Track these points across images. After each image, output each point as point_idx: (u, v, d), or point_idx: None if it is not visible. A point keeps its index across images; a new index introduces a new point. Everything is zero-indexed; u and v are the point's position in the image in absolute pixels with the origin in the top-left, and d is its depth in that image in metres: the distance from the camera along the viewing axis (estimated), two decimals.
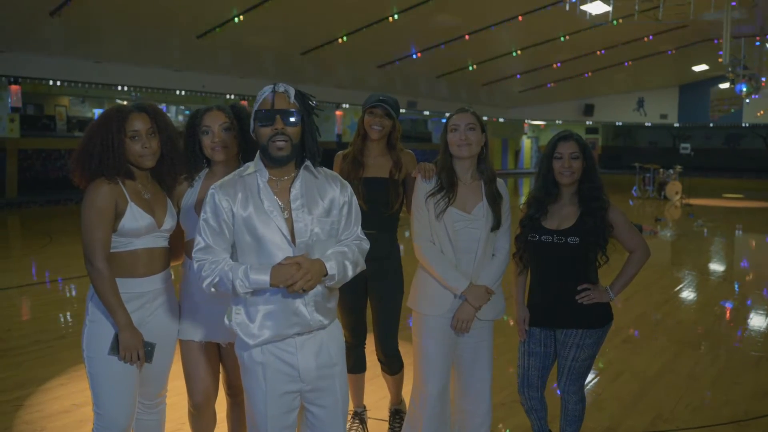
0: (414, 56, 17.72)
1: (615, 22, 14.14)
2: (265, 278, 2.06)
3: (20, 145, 15.08)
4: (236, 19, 13.03)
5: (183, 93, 16.52)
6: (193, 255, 2.18)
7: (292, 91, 2.18)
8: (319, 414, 2.26)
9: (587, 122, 29.39)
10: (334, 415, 2.28)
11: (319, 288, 2.18)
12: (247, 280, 2.07)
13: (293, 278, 2.04)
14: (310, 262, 2.08)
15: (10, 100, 14.07)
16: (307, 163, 2.23)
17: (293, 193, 2.18)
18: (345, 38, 15.19)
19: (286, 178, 2.21)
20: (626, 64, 21.96)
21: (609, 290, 2.89)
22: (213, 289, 2.14)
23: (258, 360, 2.19)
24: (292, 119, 2.15)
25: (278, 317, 2.16)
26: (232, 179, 2.20)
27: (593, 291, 2.84)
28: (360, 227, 2.33)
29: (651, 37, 18.26)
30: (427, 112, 23.77)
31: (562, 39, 17.36)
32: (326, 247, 2.20)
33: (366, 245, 2.32)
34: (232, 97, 17.17)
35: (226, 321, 2.23)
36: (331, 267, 2.13)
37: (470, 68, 19.92)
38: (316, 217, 2.18)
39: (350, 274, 2.22)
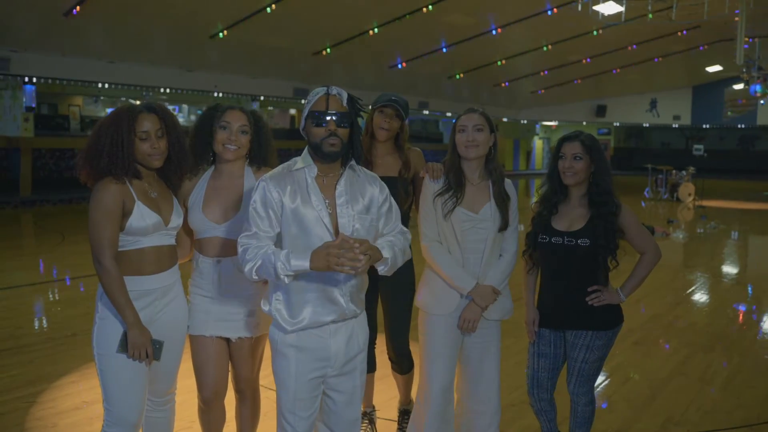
0: (426, 57, 17.70)
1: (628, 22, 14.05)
2: (305, 263, 2.11)
3: (34, 144, 15.19)
4: (249, 20, 13.07)
5: (195, 93, 16.60)
6: (238, 240, 2.24)
7: (345, 95, 2.28)
8: (338, 399, 2.37)
9: (595, 122, 29.23)
10: (351, 400, 2.39)
11: (354, 280, 2.29)
12: (288, 264, 2.11)
13: (338, 259, 2.06)
14: (369, 244, 2.14)
15: (24, 100, 14.19)
16: (352, 162, 2.34)
17: (338, 190, 2.28)
18: (357, 39, 15.20)
19: (331, 175, 2.30)
20: (639, 64, 21.82)
21: (620, 292, 2.87)
22: (255, 276, 2.19)
23: (292, 344, 2.28)
24: (344, 122, 2.25)
25: (316, 305, 2.26)
26: (282, 172, 2.29)
27: (603, 293, 2.82)
28: (401, 222, 2.44)
29: (664, 37, 18.14)
30: (438, 113, 23.73)
31: (575, 40, 17.28)
32: None
33: (410, 236, 2.45)
34: (244, 97, 17.25)
35: (264, 307, 2.33)
36: (386, 252, 2.23)
37: (482, 69, 19.87)
38: (356, 214, 2.28)
39: (399, 261, 2.32)
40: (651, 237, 2.94)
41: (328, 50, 15.88)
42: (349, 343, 2.33)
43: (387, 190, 2.41)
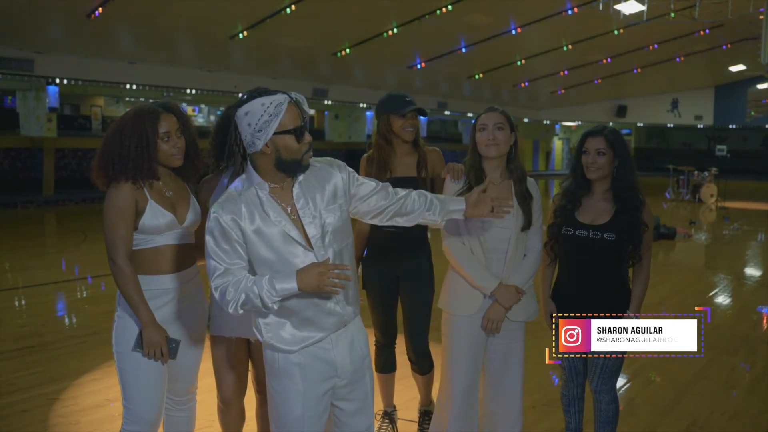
0: (445, 57, 17.64)
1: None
2: (291, 284, 1.98)
3: (57, 144, 15.40)
4: (269, 20, 13.12)
5: (215, 93, 16.72)
6: (211, 284, 2.07)
7: (303, 99, 2.10)
8: (349, 409, 2.25)
9: (615, 122, 28.96)
10: (363, 408, 2.28)
11: (347, 281, 2.16)
12: (274, 290, 1.98)
13: (324, 279, 1.97)
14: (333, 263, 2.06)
15: (47, 101, 14.40)
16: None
17: (295, 194, 2.10)
18: (376, 40, 15.19)
19: (287, 181, 2.12)
20: (661, 64, 21.58)
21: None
22: (241, 311, 2.04)
23: (296, 362, 2.14)
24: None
25: (314, 321, 2.14)
26: (230, 196, 2.09)
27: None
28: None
29: (686, 36, 17.92)
30: (458, 113, 23.65)
31: (595, 39, 17.12)
32: (343, 233, 2.17)
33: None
34: None
35: (258, 336, 2.17)
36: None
37: (502, 69, 19.76)
38: (323, 208, 2.13)
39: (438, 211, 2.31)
40: (651, 247, 2.89)
41: (347, 50, 15.90)
42: (352, 349, 2.22)
43: (345, 166, 2.24)
